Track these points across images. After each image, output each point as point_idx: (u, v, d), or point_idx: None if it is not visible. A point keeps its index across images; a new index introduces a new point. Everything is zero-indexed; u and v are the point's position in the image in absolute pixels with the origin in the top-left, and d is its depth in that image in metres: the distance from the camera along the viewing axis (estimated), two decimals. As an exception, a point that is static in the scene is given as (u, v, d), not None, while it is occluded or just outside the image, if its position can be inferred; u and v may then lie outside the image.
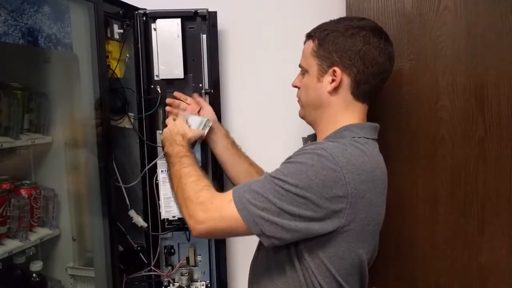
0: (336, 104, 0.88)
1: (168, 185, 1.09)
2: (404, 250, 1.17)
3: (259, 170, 1.18)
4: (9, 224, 1.06)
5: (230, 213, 0.78)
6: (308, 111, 0.94)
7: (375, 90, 0.90)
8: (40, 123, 1.18)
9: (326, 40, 0.87)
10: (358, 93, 0.87)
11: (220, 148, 1.15)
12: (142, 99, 1.21)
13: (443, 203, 1.13)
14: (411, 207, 1.15)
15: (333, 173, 0.75)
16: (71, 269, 1.25)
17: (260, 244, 0.94)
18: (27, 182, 1.17)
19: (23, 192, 1.12)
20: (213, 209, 0.81)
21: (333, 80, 0.86)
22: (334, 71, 0.86)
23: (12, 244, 1.05)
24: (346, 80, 0.86)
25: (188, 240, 1.25)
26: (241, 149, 1.19)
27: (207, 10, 1.19)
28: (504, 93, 1.06)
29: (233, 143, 1.18)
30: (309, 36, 0.93)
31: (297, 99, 0.97)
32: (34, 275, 1.14)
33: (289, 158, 0.81)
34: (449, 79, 1.10)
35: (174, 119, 1.09)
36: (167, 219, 1.17)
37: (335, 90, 0.87)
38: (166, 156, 1.02)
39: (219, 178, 1.23)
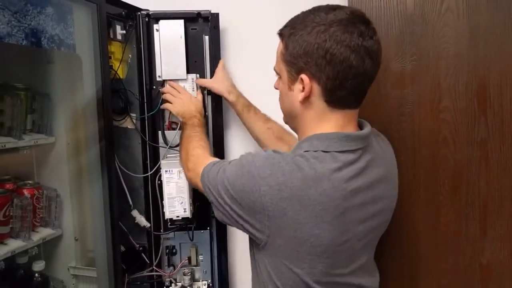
0: (309, 115, 0.78)
1: (172, 184, 1.14)
2: (405, 251, 1.17)
3: (277, 131, 1.18)
4: (11, 224, 1.06)
5: (198, 175, 0.88)
6: (286, 119, 0.88)
7: (357, 93, 0.77)
8: (43, 123, 1.18)
9: (291, 42, 0.76)
10: (334, 100, 0.76)
11: (242, 118, 1.21)
12: (145, 99, 1.21)
13: (445, 204, 1.12)
14: (413, 208, 1.15)
15: (251, 181, 0.73)
16: (73, 269, 1.25)
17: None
18: (30, 182, 1.17)
19: (26, 192, 1.12)
20: (195, 164, 0.95)
21: (303, 88, 0.76)
22: (302, 79, 0.75)
23: (15, 244, 1.05)
24: (317, 88, 0.75)
25: (191, 239, 1.25)
26: (256, 112, 1.20)
27: (209, 11, 1.20)
28: (506, 94, 1.06)
29: (246, 108, 1.19)
30: (279, 34, 0.81)
31: None
32: (36, 275, 1.15)
33: (242, 155, 0.82)
34: (452, 80, 1.09)
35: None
36: (171, 219, 1.17)
37: (307, 99, 0.77)
38: (183, 124, 1.14)
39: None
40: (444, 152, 1.11)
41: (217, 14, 1.21)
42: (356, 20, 0.73)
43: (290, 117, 0.84)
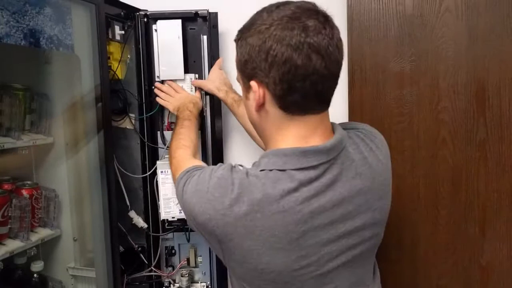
0: (268, 125, 0.72)
1: (167, 185, 1.14)
2: (404, 251, 1.17)
3: None
4: (10, 224, 1.06)
5: (176, 181, 0.82)
6: (255, 131, 0.80)
7: (315, 96, 0.67)
8: (41, 123, 1.18)
9: (239, 47, 0.70)
10: (288, 106, 0.68)
11: (235, 115, 1.18)
12: (143, 100, 1.21)
13: (444, 204, 1.13)
14: (412, 209, 1.15)
15: (200, 203, 0.69)
16: (72, 269, 1.25)
17: None
18: (29, 182, 1.17)
19: (25, 192, 1.12)
20: (175, 169, 0.90)
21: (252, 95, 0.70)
22: (251, 87, 0.69)
23: (13, 245, 1.05)
24: (268, 95, 0.68)
25: (188, 241, 1.25)
26: None
27: (207, 11, 1.20)
28: (505, 94, 1.06)
29: (236, 103, 1.15)
30: (234, 41, 0.74)
31: None
32: (35, 275, 1.15)
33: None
34: (450, 81, 1.10)
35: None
36: (167, 219, 1.17)
37: (261, 107, 0.70)
38: (176, 118, 1.11)
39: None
40: (443, 153, 1.11)
41: (216, 14, 1.21)
42: (301, 14, 0.65)
43: (256, 129, 0.77)
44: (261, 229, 0.65)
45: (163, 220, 1.19)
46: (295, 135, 0.69)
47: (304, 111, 0.68)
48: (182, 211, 0.84)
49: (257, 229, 0.65)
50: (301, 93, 0.65)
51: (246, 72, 0.69)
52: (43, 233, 1.16)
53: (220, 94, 1.18)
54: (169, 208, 1.15)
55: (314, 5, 0.67)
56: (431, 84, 1.11)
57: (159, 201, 1.17)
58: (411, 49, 1.12)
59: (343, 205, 0.69)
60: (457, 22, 1.08)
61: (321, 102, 0.69)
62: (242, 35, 0.70)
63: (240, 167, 0.71)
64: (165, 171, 1.14)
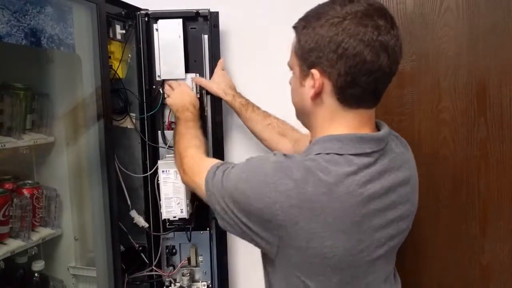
0: (321, 113, 0.74)
1: (169, 185, 1.14)
2: (406, 251, 1.17)
3: (277, 126, 1.14)
4: (11, 223, 1.06)
5: (198, 180, 0.84)
6: (298, 115, 0.82)
7: (373, 92, 0.71)
8: (42, 123, 1.18)
9: (303, 35, 0.71)
10: (346, 99, 0.71)
11: (242, 118, 1.18)
12: (144, 99, 1.21)
13: (444, 204, 1.13)
14: (413, 208, 1.15)
15: (260, 186, 0.69)
16: (73, 268, 1.25)
17: None
18: (29, 182, 1.17)
19: (25, 192, 1.12)
20: (190, 168, 0.92)
21: (314, 84, 0.71)
22: (312, 75, 0.70)
23: (14, 244, 1.05)
24: (328, 85, 0.70)
25: (189, 240, 1.25)
26: (254, 110, 1.16)
27: (208, 10, 1.20)
28: (506, 94, 1.06)
29: (244, 107, 1.16)
30: (294, 28, 0.76)
31: None
32: (36, 274, 1.14)
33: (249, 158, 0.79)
34: (451, 80, 1.10)
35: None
36: (168, 219, 1.18)
37: (318, 96, 0.72)
38: (176, 118, 1.11)
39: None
40: (443, 152, 1.12)
41: (217, 13, 1.21)
42: (373, 12, 0.67)
43: (302, 114, 0.79)
44: (327, 211, 0.66)
45: (164, 219, 1.18)
46: (347, 125, 0.72)
47: (358, 105, 0.71)
48: (212, 204, 0.78)
49: (323, 211, 0.66)
50: (362, 88, 0.69)
51: (309, 60, 0.71)
52: (44, 232, 1.16)
53: (227, 98, 1.18)
54: (170, 207, 1.15)
55: (382, 5, 0.70)
56: (431, 83, 1.11)
57: (160, 200, 1.17)
58: (411, 48, 1.12)
59: (390, 194, 0.72)
60: (458, 21, 1.08)
61: (375, 98, 0.73)
62: (309, 24, 0.71)
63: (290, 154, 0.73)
64: (166, 171, 1.14)
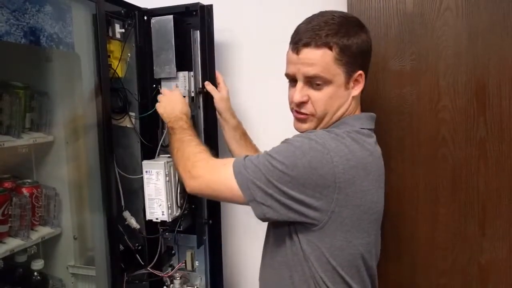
0: (352, 103, 0.89)
1: (152, 186, 1.12)
2: (404, 250, 1.17)
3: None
4: (10, 222, 1.06)
5: (224, 175, 0.83)
6: (322, 120, 0.88)
7: None
8: (41, 122, 1.18)
9: (349, 45, 0.83)
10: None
11: (227, 136, 1.20)
12: (142, 98, 1.21)
13: (443, 203, 1.12)
14: (412, 207, 1.15)
15: (320, 155, 0.77)
16: (72, 267, 1.25)
17: (266, 242, 0.95)
18: (29, 181, 1.17)
19: (25, 191, 1.12)
20: (209, 168, 0.89)
21: (356, 83, 0.87)
22: (360, 75, 0.86)
23: (14, 243, 1.05)
24: (364, 80, 0.88)
25: (175, 243, 1.24)
26: (250, 142, 1.20)
27: (198, 3, 1.15)
28: (505, 93, 1.06)
29: (243, 135, 1.19)
30: (324, 44, 0.82)
31: (302, 113, 0.88)
32: (35, 273, 1.15)
33: (286, 139, 0.85)
34: (451, 79, 1.09)
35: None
36: (151, 220, 1.15)
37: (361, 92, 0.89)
38: (170, 128, 1.07)
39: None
40: (443, 152, 1.11)
41: (211, 6, 1.17)
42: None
43: (333, 113, 0.88)
44: (373, 170, 0.82)
45: (149, 220, 1.15)
46: (353, 107, 0.89)
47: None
48: (249, 195, 0.80)
49: (371, 170, 0.81)
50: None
51: (356, 63, 0.85)
52: (43, 231, 1.16)
53: (233, 121, 1.19)
54: (153, 209, 1.12)
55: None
56: (431, 82, 1.11)
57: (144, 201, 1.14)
58: (411, 48, 1.12)
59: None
60: (458, 21, 1.08)
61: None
62: (342, 34, 0.83)
63: None
64: (149, 171, 1.11)
